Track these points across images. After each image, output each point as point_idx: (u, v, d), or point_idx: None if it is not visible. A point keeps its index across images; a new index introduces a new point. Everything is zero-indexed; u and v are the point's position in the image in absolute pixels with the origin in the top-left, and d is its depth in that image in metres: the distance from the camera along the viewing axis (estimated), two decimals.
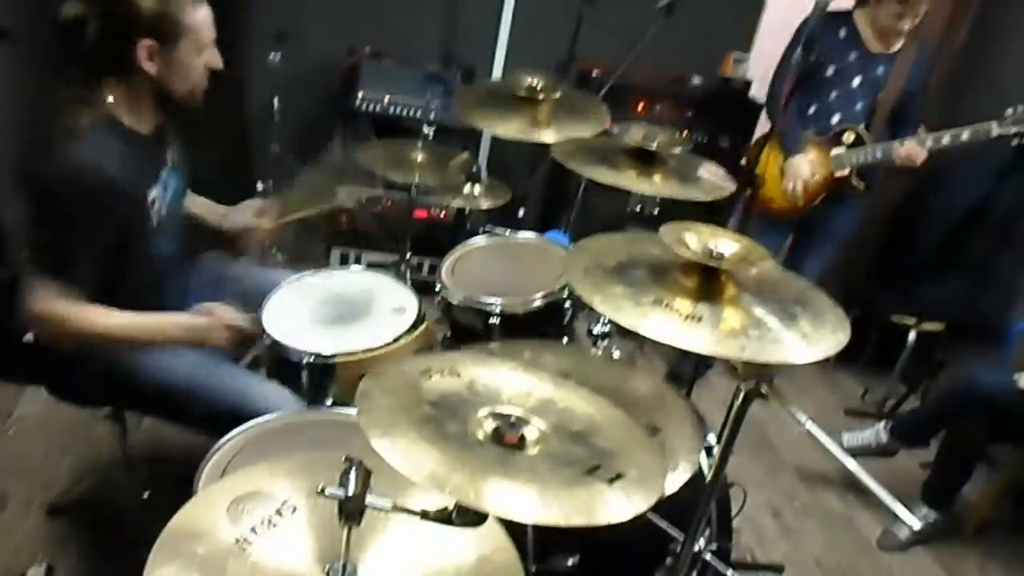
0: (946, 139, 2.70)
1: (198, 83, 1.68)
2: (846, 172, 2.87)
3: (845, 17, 2.84)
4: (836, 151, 2.87)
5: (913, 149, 2.72)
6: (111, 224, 1.60)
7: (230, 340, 1.74)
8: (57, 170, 1.55)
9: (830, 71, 2.85)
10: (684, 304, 1.19)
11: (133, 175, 1.63)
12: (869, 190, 2.95)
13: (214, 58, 1.69)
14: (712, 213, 2.09)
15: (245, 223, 2.04)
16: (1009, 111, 2.60)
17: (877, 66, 2.82)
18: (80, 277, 1.58)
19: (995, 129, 2.60)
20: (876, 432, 2.85)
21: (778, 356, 1.13)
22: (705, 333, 1.14)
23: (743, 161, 3.23)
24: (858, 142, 2.85)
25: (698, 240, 1.27)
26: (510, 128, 2.10)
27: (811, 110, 2.91)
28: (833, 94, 2.87)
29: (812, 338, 1.17)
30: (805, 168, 2.86)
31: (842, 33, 2.84)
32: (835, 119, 2.88)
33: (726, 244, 1.27)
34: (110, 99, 1.62)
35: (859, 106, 2.86)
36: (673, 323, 1.15)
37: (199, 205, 2.05)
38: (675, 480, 1.48)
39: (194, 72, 1.66)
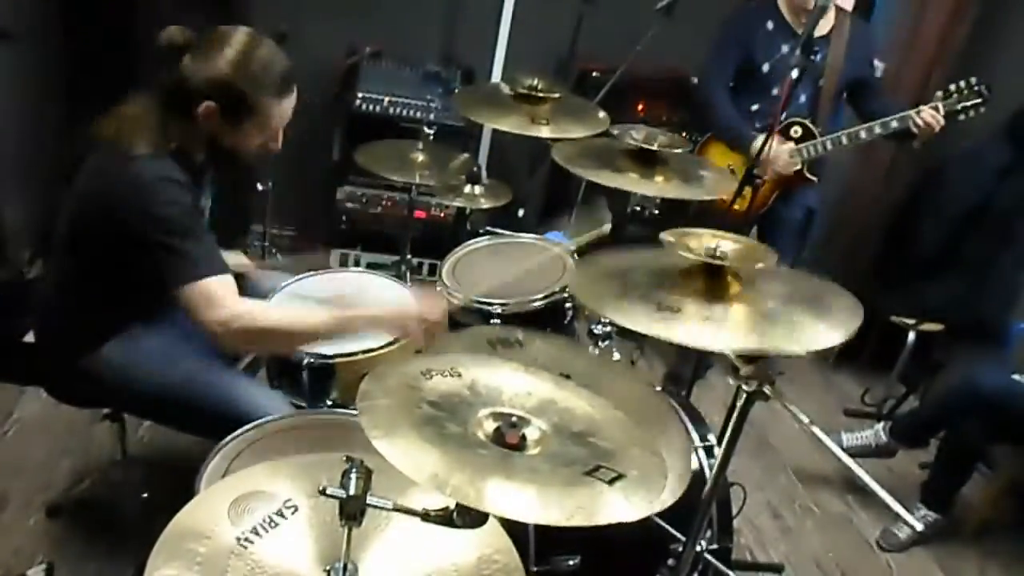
0: (894, 124, 2.67)
1: (248, 154, 1.67)
2: (798, 167, 2.84)
3: (769, 8, 2.79)
4: (786, 146, 2.83)
5: (928, 116, 2.64)
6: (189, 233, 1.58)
7: (422, 333, 1.66)
8: (141, 184, 1.54)
9: (766, 67, 2.80)
10: (693, 307, 1.20)
11: (192, 195, 1.63)
12: (814, 189, 2.93)
13: (274, 142, 1.67)
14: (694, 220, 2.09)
15: None
16: (952, 86, 2.64)
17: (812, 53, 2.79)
18: (226, 268, 1.58)
19: (940, 108, 2.63)
20: (875, 432, 2.85)
21: (796, 345, 1.15)
22: (717, 331, 1.16)
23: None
24: (806, 135, 2.82)
25: (699, 243, 1.28)
26: (509, 123, 2.10)
27: (754, 108, 2.86)
28: (775, 91, 2.80)
29: (826, 324, 1.20)
30: (780, 147, 2.79)
31: (770, 25, 2.79)
32: (780, 115, 2.84)
33: (727, 244, 1.28)
34: (169, 127, 1.61)
35: (802, 97, 2.81)
36: (685, 326, 1.17)
37: None
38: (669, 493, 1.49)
39: (249, 148, 1.64)
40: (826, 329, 1.19)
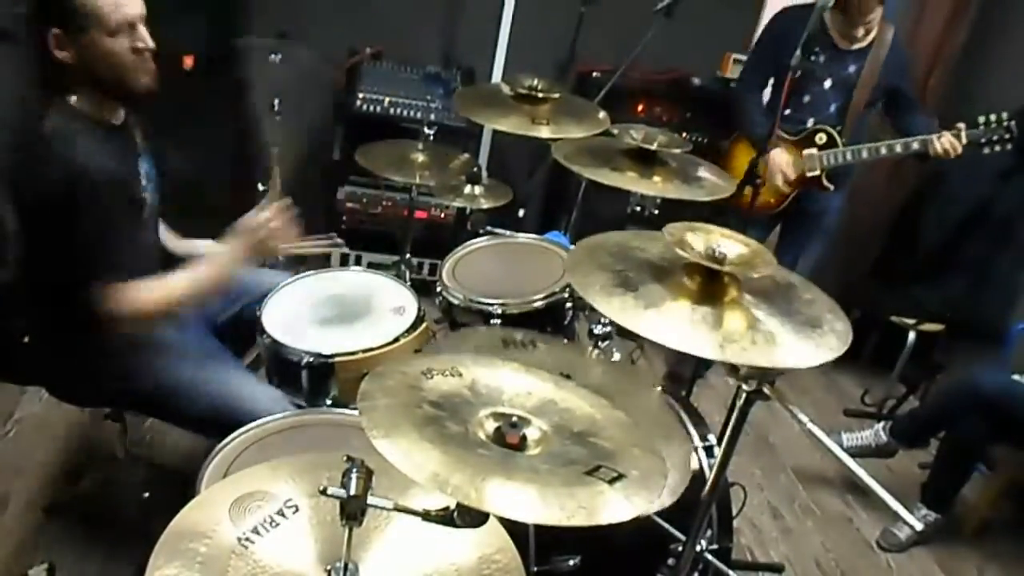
0: (915, 145, 2.68)
1: (127, 67, 1.59)
2: (817, 173, 2.84)
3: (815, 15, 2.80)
4: (808, 152, 2.84)
5: (946, 143, 2.65)
6: (106, 211, 1.59)
7: (259, 251, 1.76)
8: (35, 178, 1.55)
9: (797, 74, 2.81)
10: (686, 306, 1.19)
11: (107, 164, 1.59)
12: (837, 191, 2.93)
13: (138, 39, 1.59)
14: (714, 214, 2.08)
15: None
16: (981, 118, 2.62)
17: (847, 65, 2.78)
18: (119, 264, 1.60)
19: (964, 137, 2.63)
20: (875, 432, 2.85)
21: (779, 361, 1.13)
22: (706, 336, 1.15)
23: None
24: (830, 143, 2.82)
25: (703, 241, 1.27)
26: (509, 124, 2.10)
27: (787, 112, 2.86)
28: (806, 97, 2.83)
29: (813, 342, 1.18)
30: (783, 158, 2.83)
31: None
32: (809, 123, 2.85)
33: (730, 246, 1.27)
34: (73, 97, 1.61)
35: (832, 108, 2.83)
36: (676, 326, 1.16)
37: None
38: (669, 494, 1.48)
39: (113, 56, 1.57)
40: (804, 353, 1.17)
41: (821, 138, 2.83)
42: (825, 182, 2.87)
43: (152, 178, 1.79)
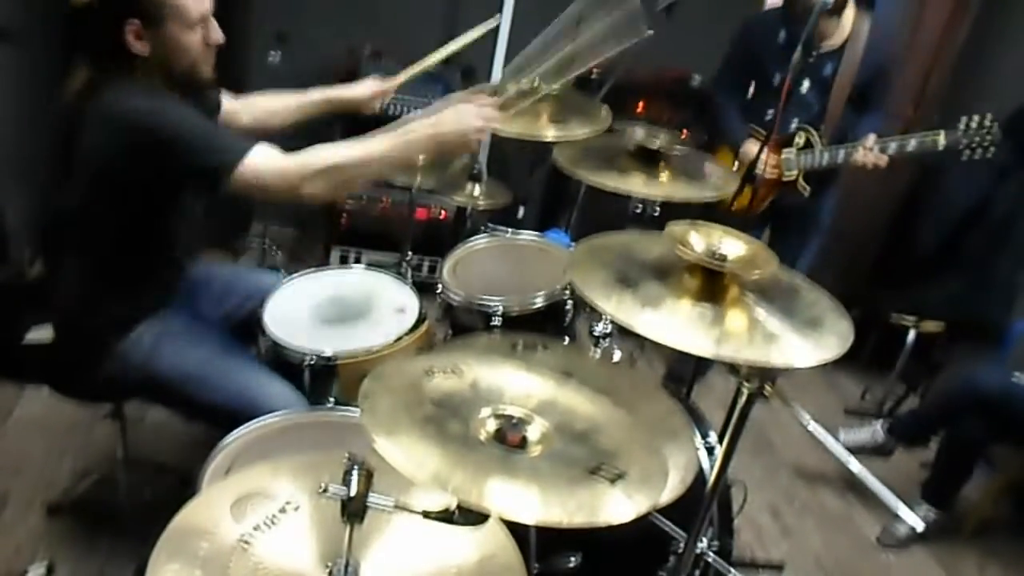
0: (892, 147, 2.59)
1: (198, 59, 1.63)
2: (794, 175, 2.79)
3: (784, 19, 2.70)
4: (787, 153, 2.79)
5: (871, 157, 2.60)
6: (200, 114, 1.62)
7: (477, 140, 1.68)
8: (143, 109, 1.54)
9: (777, 78, 2.72)
10: (687, 306, 1.19)
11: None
12: (823, 192, 2.86)
13: (212, 33, 1.64)
14: (712, 214, 2.08)
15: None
16: (963, 120, 2.48)
17: (824, 65, 2.69)
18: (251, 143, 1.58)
19: (942, 140, 2.50)
20: (873, 431, 2.85)
21: (780, 359, 1.13)
22: (708, 335, 1.14)
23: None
24: (808, 145, 2.76)
25: (703, 240, 1.27)
26: (512, 126, 2.10)
27: (767, 116, 2.79)
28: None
29: (815, 341, 1.18)
30: (753, 149, 2.72)
31: (782, 36, 2.70)
32: (792, 125, 2.77)
33: (731, 245, 1.27)
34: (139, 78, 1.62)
35: (816, 109, 2.75)
36: (675, 325, 1.16)
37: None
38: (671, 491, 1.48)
39: (188, 49, 1.61)
40: (809, 349, 1.16)
41: (800, 139, 2.76)
42: (800, 184, 2.79)
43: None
